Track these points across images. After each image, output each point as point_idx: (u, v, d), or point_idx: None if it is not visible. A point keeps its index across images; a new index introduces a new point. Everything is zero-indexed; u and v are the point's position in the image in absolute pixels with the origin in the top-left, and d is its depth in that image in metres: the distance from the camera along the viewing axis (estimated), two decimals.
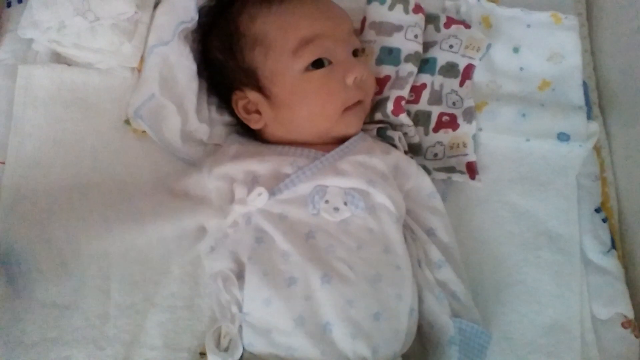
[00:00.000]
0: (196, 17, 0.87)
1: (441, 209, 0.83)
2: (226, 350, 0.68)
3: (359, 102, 0.83)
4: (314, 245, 0.72)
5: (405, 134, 0.88)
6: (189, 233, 0.75)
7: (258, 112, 0.83)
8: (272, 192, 0.75)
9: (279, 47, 0.80)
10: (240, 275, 0.71)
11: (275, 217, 0.74)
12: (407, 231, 0.80)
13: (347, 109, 0.81)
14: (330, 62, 0.80)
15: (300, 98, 0.80)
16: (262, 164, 0.78)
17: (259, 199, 0.73)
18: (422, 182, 0.84)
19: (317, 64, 0.80)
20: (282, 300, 0.69)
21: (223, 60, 0.85)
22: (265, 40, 0.80)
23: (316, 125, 0.82)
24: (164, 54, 0.85)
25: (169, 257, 0.79)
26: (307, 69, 0.80)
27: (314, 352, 0.68)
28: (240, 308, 0.70)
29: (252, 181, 0.77)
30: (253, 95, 0.83)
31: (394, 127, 0.89)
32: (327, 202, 0.74)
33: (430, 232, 0.81)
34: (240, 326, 0.70)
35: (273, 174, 0.77)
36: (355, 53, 0.85)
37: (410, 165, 0.84)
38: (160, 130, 0.85)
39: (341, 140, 0.82)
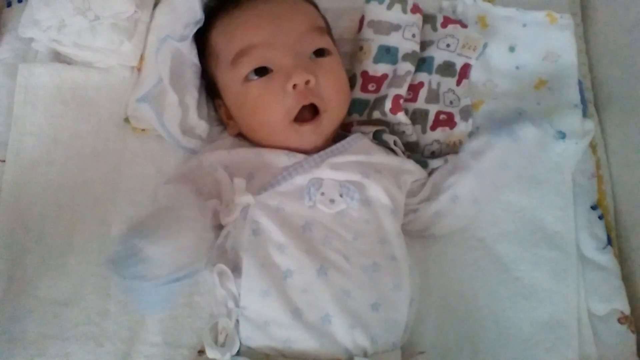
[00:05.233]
0: (202, 16, 0.86)
1: None
2: (223, 345, 0.68)
3: (316, 116, 0.78)
4: (310, 237, 0.72)
5: (402, 132, 0.89)
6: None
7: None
8: (269, 185, 0.75)
9: (223, 58, 0.81)
10: (236, 270, 0.71)
11: (271, 209, 0.74)
12: None
13: (299, 121, 0.77)
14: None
15: (242, 110, 0.80)
16: (258, 157, 0.79)
17: (241, 187, 0.73)
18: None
19: (261, 73, 0.78)
20: (279, 292, 0.69)
21: (203, 68, 0.87)
22: (215, 51, 0.81)
23: (269, 136, 0.80)
24: (177, 48, 0.85)
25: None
26: (246, 80, 0.78)
27: (312, 344, 0.68)
28: (236, 303, 0.70)
29: (249, 176, 0.77)
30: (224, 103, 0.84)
31: (391, 129, 0.89)
32: (322, 194, 0.75)
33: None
34: (237, 321, 0.70)
35: (269, 167, 0.77)
36: (321, 53, 0.81)
37: (410, 163, 0.84)
38: (162, 119, 0.84)
39: (331, 143, 0.81)
